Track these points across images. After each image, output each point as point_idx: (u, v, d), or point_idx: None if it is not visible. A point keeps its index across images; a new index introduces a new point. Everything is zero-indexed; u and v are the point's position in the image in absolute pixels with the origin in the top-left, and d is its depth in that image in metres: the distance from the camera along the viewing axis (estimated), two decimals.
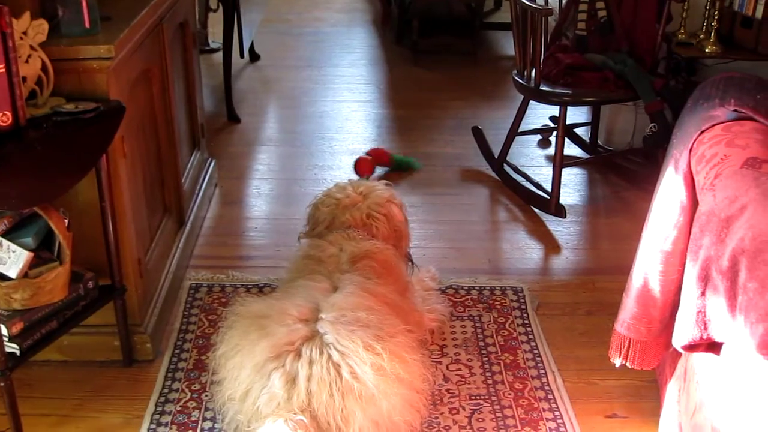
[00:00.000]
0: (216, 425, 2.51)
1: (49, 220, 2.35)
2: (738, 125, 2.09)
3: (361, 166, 4.27)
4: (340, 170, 4.33)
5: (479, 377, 2.76)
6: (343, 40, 6.74)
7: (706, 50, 4.06)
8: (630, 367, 2.38)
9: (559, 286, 3.34)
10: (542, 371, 2.79)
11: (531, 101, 4.02)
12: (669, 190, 2.17)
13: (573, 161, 4.27)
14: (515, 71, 3.98)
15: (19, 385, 2.43)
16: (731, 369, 1.95)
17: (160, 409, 2.59)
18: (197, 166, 3.78)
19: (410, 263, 3.02)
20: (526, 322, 3.05)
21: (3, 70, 2.16)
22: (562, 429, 2.54)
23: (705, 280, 1.96)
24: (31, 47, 2.31)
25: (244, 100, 5.33)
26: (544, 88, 3.79)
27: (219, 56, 5.34)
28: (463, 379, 2.75)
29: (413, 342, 2.38)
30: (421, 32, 6.25)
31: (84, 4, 2.44)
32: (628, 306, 2.33)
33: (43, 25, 2.33)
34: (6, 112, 2.19)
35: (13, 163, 2.16)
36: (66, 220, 2.42)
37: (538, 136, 4.73)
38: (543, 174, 4.22)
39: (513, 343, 2.94)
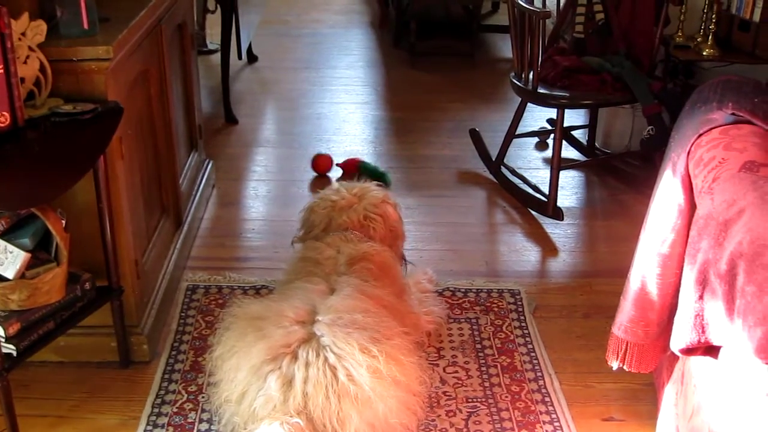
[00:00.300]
0: (212, 427, 2.51)
1: (47, 221, 2.35)
2: (736, 128, 2.09)
3: (319, 164, 4.30)
4: (338, 172, 4.32)
5: (476, 380, 2.76)
6: (341, 42, 6.74)
7: (704, 53, 4.07)
8: (627, 370, 2.38)
9: (557, 289, 3.34)
10: (539, 374, 2.79)
11: (528, 104, 4.02)
12: (667, 193, 2.17)
13: (570, 164, 4.27)
14: (513, 74, 3.98)
15: (16, 386, 2.42)
16: (729, 372, 1.95)
17: (156, 410, 2.59)
18: (195, 167, 3.78)
19: (404, 263, 3.02)
20: (523, 324, 3.05)
21: (1, 71, 2.16)
22: None
23: (703, 283, 1.96)
24: (30, 48, 2.30)
25: (242, 102, 5.33)
26: (541, 90, 3.79)
27: (217, 57, 5.33)
28: (460, 382, 2.74)
29: (410, 344, 2.38)
30: (418, 34, 6.25)
31: (82, 5, 2.44)
32: (626, 309, 2.33)
33: (41, 26, 2.33)
34: (4, 113, 2.19)
35: (11, 163, 2.16)
36: (63, 221, 2.42)
37: (536, 139, 4.73)
38: (540, 176, 4.22)
39: (510, 346, 2.94)
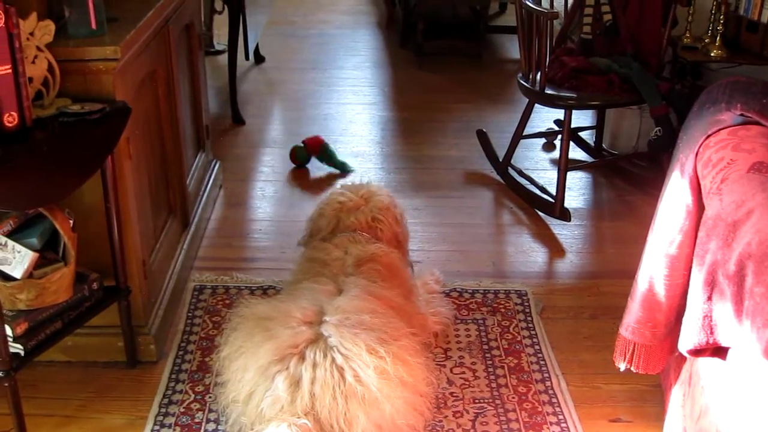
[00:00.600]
0: (220, 427, 2.51)
1: (55, 221, 2.35)
2: (744, 129, 2.09)
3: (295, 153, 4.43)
4: (351, 172, 4.33)
5: (483, 381, 2.75)
6: (347, 43, 6.74)
7: (712, 54, 4.06)
8: (634, 371, 2.37)
9: (564, 290, 3.33)
10: (546, 375, 2.79)
11: (536, 104, 4.01)
12: (675, 194, 2.17)
13: (578, 165, 4.26)
14: (520, 74, 3.98)
15: (23, 386, 2.42)
16: (737, 374, 1.94)
17: (163, 410, 2.59)
18: (202, 168, 3.78)
19: (411, 266, 3.03)
20: (531, 325, 3.05)
21: (10, 70, 2.16)
22: None
23: (711, 284, 1.95)
24: (38, 48, 2.31)
25: (249, 102, 5.33)
26: (549, 91, 3.78)
27: (224, 58, 5.35)
28: (467, 383, 2.74)
29: (417, 345, 2.39)
30: (425, 35, 6.24)
31: (90, 5, 2.45)
32: (633, 310, 2.32)
33: (49, 26, 2.34)
34: (12, 113, 2.20)
35: (19, 163, 2.16)
36: (71, 221, 2.42)
37: (543, 140, 4.72)
38: (547, 177, 4.22)
39: (517, 347, 2.93)
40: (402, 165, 4.47)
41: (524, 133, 4.21)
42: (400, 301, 2.59)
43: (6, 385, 2.28)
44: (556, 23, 3.88)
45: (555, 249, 3.65)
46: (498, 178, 4.28)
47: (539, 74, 3.78)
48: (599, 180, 4.33)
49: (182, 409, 2.60)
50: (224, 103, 5.17)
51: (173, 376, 2.75)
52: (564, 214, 3.82)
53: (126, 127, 2.46)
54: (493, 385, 2.74)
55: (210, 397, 2.64)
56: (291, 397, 2.15)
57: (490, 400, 2.66)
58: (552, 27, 3.70)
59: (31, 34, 2.28)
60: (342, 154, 4.49)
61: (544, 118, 4.91)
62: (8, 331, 2.29)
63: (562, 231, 3.78)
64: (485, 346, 2.93)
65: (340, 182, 4.17)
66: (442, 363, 2.83)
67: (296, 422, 2.09)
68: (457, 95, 5.55)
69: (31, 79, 2.29)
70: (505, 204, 4.06)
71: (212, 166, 4.02)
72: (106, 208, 2.52)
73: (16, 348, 2.32)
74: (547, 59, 3.79)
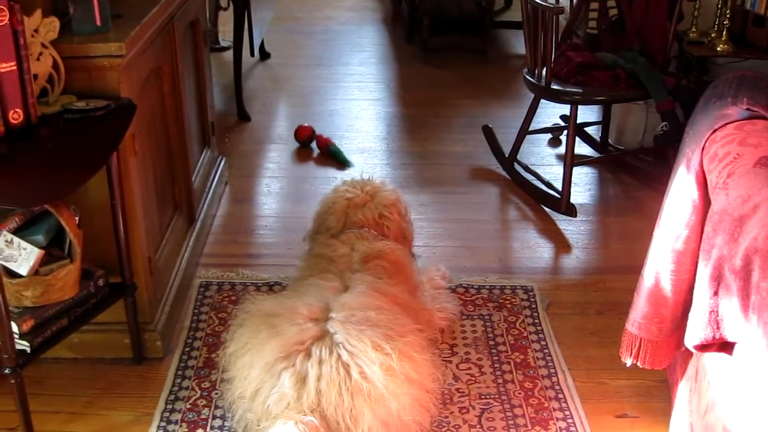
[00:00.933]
0: (226, 423, 2.51)
1: (60, 218, 2.36)
2: (751, 124, 2.08)
3: (301, 133, 4.61)
4: (350, 168, 4.32)
5: (489, 376, 2.75)
6: (353, 39, 6.74)
7: (718, 49, 4.04)
8: (641, 366, 2.36)
9: (570, 286, 3.33)
10: (552, 371, 2.79)
11: (542, 100, 4.01)
12: (681, 189, 2.16)
13: (584, 160, 4.26)
14: (526, 70, 3.97)
15: (30, 383, 2.43)
16: (744, 369, 1.94)
17: (170, 406, 2.60)
18: (207, 164, 3.78)
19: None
20: (537, 321, 3.05)
21: (14, 67, 2.16)
22: (572, 428, 2.53)
23: (718, 279, 1.95)
24: (43, 45, 2.31)
25: (255, 99, 5.33)
26: (554, 86, 3.77)
27: (229, 54, 5.34)
28: (473, 379, 2.74)
29: (423, 341, 2.38)
30: (431, 31, 6.24)
31: (95, 2, 2.44)
32: (640, 305, 2.32)
33: (54, 23, 2.33)
34: (17, 110, 2.20)
35: (24, 160, 2.16)
36: (77, 218, 2.42)
37: (549, 135, 4.72)
38: (553, 173, 4.21)
39: (523, 343, 2.93)
40: (408, 161, 4.47)
41: (530, 129, 4.21)
42: (406, 298, 2.59)
43: (12, 381, 2.28)
44: (561, 18, 3.86)
45: (561, 244, 3.64)
46: (504, 173, 4.28)
47: (545, 70, 3.77)
48: (605, 175, 4.32)
49: (188, 406, 2.60)
50: (230, 100, 5.17)
51: (179, 373, 2.75)
52: (570, 210, 3.82)
53: (131, 123, 2.46)
54: (500, 380, 2.73)
55: (216, 394, 2.65)
56: (297, 393, 2.15)
57: (497, 396, 2.66)
58: (558, 22, 3.69)
59: (36, 30, 2.28)
60: (348, 150, 4.48)
61: (550, 113, 4.90)
62: (14, 328, 2.30)
63: (568, 226, 3.78)
64: (491, 342, 2.93)
65: (340, 177, 4.16)
66: (448, 359, 2.83)
67: (303, 420, 2.09)
68: (462, 91, 5.55)
69: (35, 76, 2.28)
70: (510, 200, 4.06)
71: (218, 162, 4.02)
72: (111, 204, 2.52)
73: (23, 345, 2.33)
74: (553, 55, 3.78)
